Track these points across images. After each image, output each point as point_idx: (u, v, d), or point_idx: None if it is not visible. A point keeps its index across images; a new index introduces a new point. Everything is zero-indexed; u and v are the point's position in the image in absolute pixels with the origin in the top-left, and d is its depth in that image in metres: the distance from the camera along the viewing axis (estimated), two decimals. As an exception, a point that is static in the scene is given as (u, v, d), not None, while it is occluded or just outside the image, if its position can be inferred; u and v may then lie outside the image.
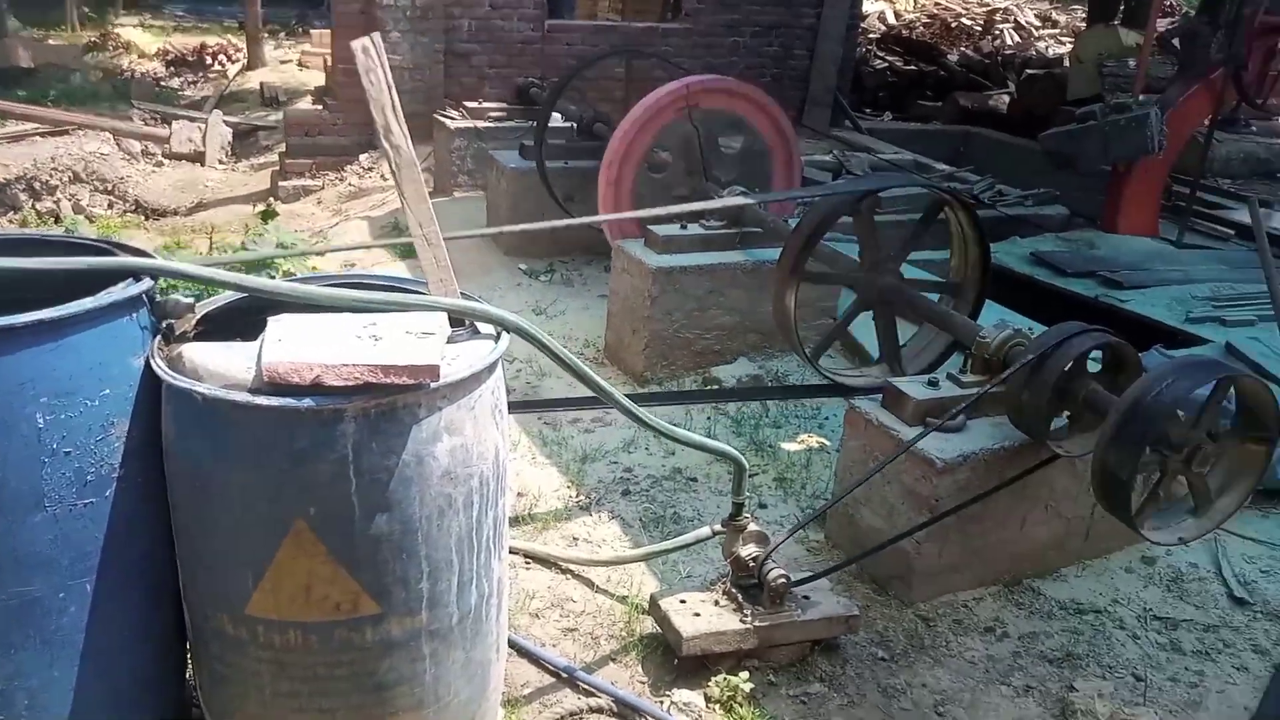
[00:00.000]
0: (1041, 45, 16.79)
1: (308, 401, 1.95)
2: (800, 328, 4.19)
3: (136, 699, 2.30)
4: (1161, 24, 11.79)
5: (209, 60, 14.34)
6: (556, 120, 6.78)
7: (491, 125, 7.75)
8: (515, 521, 3.63)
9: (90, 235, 6.30)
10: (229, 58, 14.41)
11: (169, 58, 14.52)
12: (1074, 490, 3.40)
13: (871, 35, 15.62)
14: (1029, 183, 8.13)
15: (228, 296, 2.41)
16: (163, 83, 13.57)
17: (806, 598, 3.05)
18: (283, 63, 14.29)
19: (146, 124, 10.94)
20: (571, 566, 3.38)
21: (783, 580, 2.94)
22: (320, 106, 9.32)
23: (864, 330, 4.51)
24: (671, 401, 4.48)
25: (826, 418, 4.55)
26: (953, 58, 14.67)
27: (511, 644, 2.91)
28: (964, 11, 17.94)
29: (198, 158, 10.09)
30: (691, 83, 5.48)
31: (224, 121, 10.69)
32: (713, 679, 2.84)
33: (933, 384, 3.43)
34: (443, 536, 2.16)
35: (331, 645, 2.14)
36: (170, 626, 2.32)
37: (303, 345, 2.01)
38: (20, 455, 1.94)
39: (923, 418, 3.31)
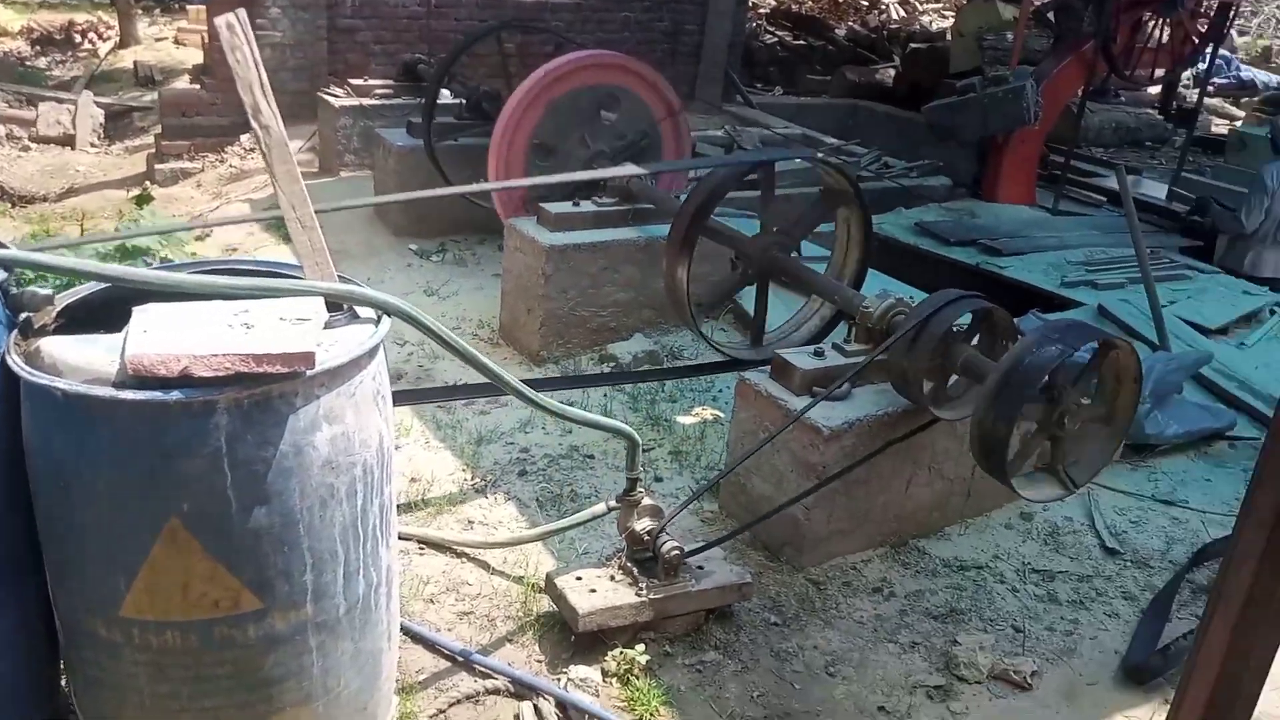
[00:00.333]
0: (925, 19, 17.17)
1: (176, 394, 1.89)
2: (697, 311, 4.23)
3: (5, 708, 2.21)
4: (1037, -2, 12.16)
5: (78, 38, 13.64)
6: (445, 97, 6.66)
7: (378, 103, 7.57)
8: (409, 507, 3.59)
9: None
10: (100, 35, 13.73)
11: (34, 35, 13.76)
12: (955, 452, 3.52)
13: (762, 10, 15.75)
14: (914, 154, 8.34)
15: (91, 287, 2.30)
16: (28, 62, 12.87)
17: (700, 568, 3.09)
18: (158, 40, 13.69)
19: (10, 106, 10.37)
20: (467, 550, 3.36)
21: (676, 552, 2.98)
22: (198, 86, 8.98)
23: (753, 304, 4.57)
24: (566, 386, 4.47)
25: (720, 390, 4.61)
26: (840, 32, 14.88)
27: (405, 631, 2.89)
28: (851, -14, 18.19)
29: (68, 141, 9.62)
30: (577, 58, 5.45)
31: (95, 102, 10.20)
32: (609, 653, 2.87)
33: (819, 354, 3.51)
34: (326, 527, 2.12)
35: (212, 644, 2.09)
36: (40, 632, 2.23)
37: (169, 336, 1.94)
38: None
39: (810, 387, 3.38)
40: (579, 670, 2.84)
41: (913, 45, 13.25)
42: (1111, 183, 8.55)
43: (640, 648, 2.88)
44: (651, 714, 2.75)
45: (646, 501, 3.06)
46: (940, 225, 6.93)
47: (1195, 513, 3.94)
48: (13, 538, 2.10)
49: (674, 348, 5.01)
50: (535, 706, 2.72)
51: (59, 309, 2.18)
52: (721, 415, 4.37)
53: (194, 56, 11.62)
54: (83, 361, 1.97)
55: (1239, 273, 6.60)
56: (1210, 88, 12.60)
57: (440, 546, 3.38)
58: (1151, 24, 8.26)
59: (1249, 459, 4.18)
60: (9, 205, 8.00)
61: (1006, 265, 6.28)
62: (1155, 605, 3.32)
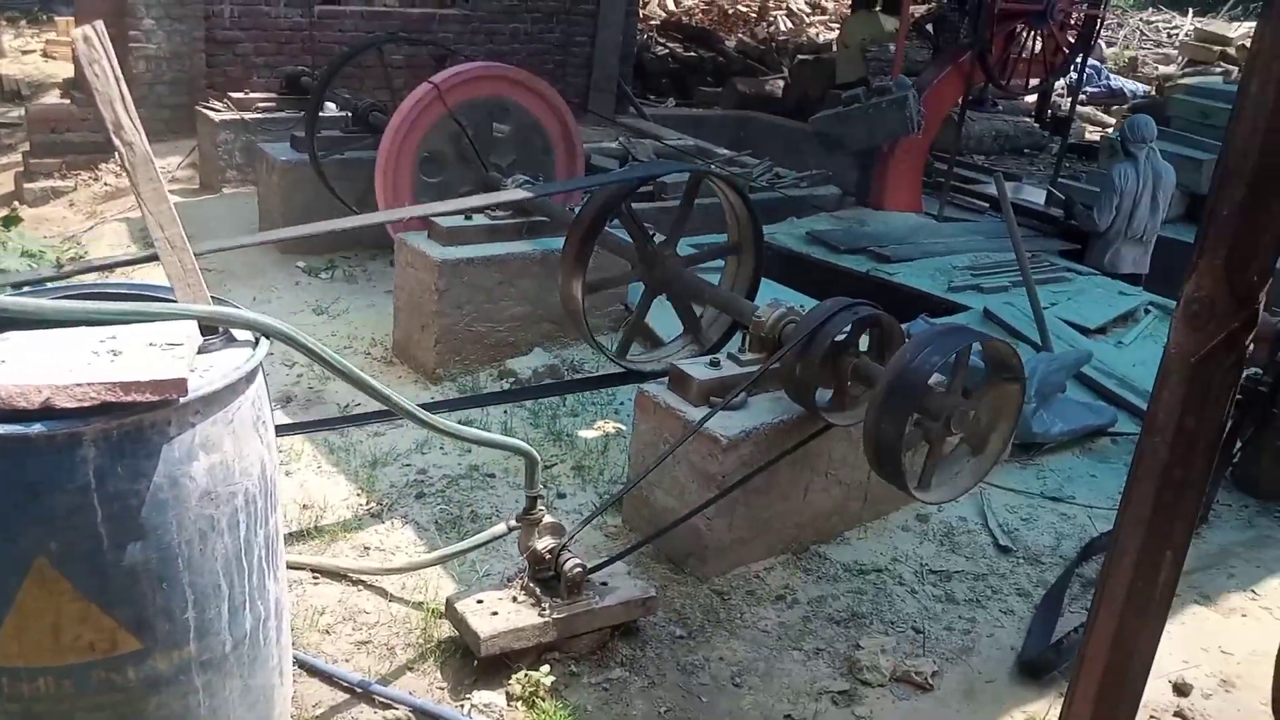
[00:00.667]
0: (813, 31, 17.53)
1: (38, 427, 1.78)
2: (590, 315, 4.20)
3: None
4: (921, 10, 12.55)
5: (-64, 51, 12.91)
6: (330, 110, 6.51)
7: (260, 117, 7.36)
8: (302, 535, 3.47)
9: None
10: (-40, 48, 13.02)
11: (-114, 48, 12.98)
12: (851, 457, 3.56)
13: (653, 22, 15.86)
14: (804, 165, 8.48)
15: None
16: (-120, 76, 12.12)
17: (605, 584, 3.06)
18: (25, 53, 13.04)
19: None
20: (364, 577, 3.26)
21: (578, 569, 2.94)
22: (68, 100, 8.59)
23: (654, 315, 4.57)
24: (464, 406, 4.39)
25: (623, 403, 4.59)
26: (731, 44, 15.09)
27: (300, 664, 2.78)
28: (739, -2, 18.48)
29: (-75, 160, 9.08)
30: (466, 70, 5.38)
31: (-44, 119, 9.67)
32: (514, 676, 2.81)
33: (714, 364, 3.51)
34: (207, 561, 2.02)
35: (89, 689, 1.97)
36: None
37: (29, 365, 1.83)
38: None
39: (707, 397, 3.38)
40: (483, 695, 2.77)
41: (800, 56, 13.52)
42: (994, 189, 8.85)
43: (545, 669, 2.83)
44: (558, 736, 2.70)
45: (547, 519, 3.02)
46: (831, 234, 7.05)
47: (1082, 508, 4.07)
48: None
49: (575, 361, 4.97)
50: (437, 735, 2.65)
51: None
52: (624, 428, 4.35)
53: (64, 70, 11.10)
54: (-67, 396, 1.84)
55: (1102, 270, 6.92)
56: (1083, 96, 13.18)
57: (336, 575, 3.27)
58: (1024, 35, 8.58)
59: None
60: None
61: (895, 271, 6.43)
62: (1047, 601, 3.41)
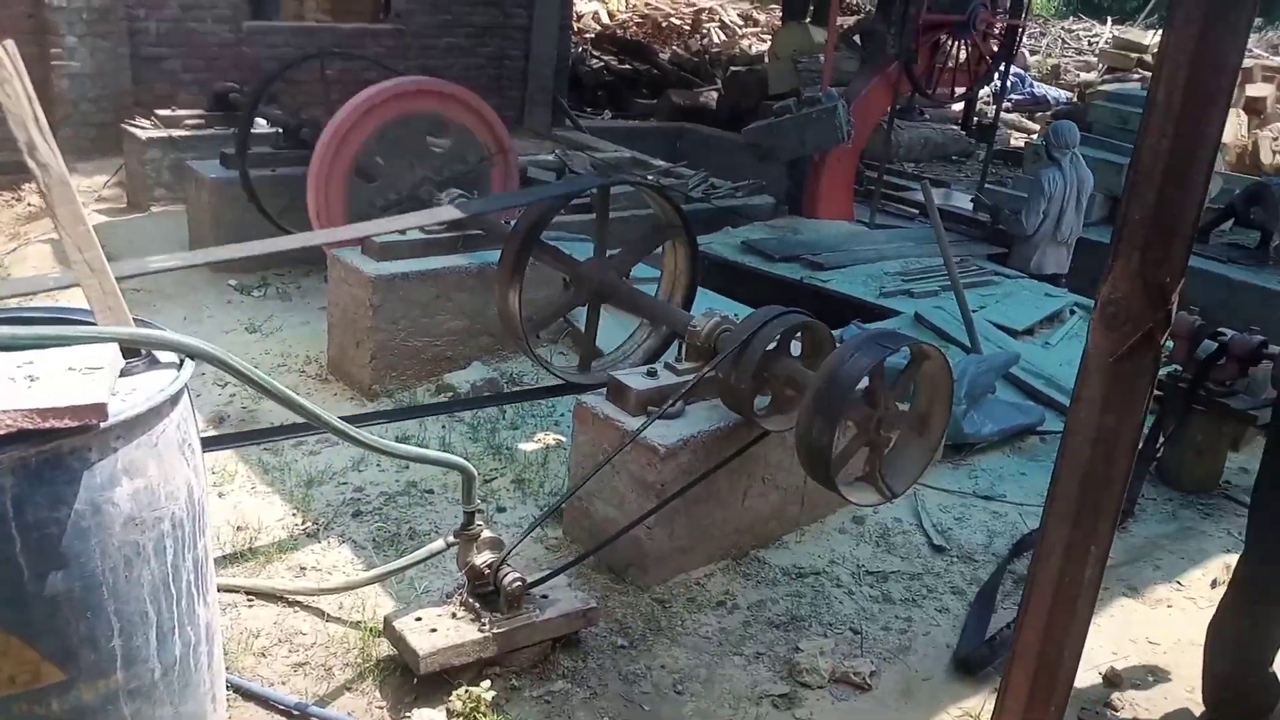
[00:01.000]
0: (745, 43, 17.74)
1: (-48, 456, 1.73)
2: (528, 328, 4.20)
3: None
4: (849, 21, 12.77)
5: None
6: (261, 126, 6.42)
7: (189, 134, 7.23)
8: (236, 557, 3.41)
9: None
10: None
11: None
12: (787, 462, 3.60)
13: (587, 35, 15.93)
14: (738, 175, 8.57)
15: None
16: None
17: (545, 597, 3.05)
18: (-61, 71, 12.67)
19: None
20: (300, 598, 3.21)
21: (518, 583, 2.93)
22: (-14, 120, 8.34)
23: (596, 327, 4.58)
24: (400, 418, 4.36)
25: (562, 414, 4.59)
26: (665, 56, 15.21)
27: (235, 688, 2.74)
28: (673, 11, 18.63)
29: None
30: (397, 85, 5.36)
31: None
32: (454, 693, 2.79)
33: (652, 374, 3.54)
34: (133, 588, 1.98)
35: (12, 723, 1.92)
36: None
37: (-58, 393, 1.78)
38: None
39: (645, 407, 3.40)
40: (423, 714, 2.75)
41: (733, 68, 13.69)
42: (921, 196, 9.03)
43: (486, 684, 2.81)
44: (500, 751, 2.69)
45: (486, 534, 3.01)
46: (765, 243, 7.14)
47: (1013, 506, 4.17)
48: None
49: (514, 374, 4.96)
50: (377, 756, 2.62)
51: None
52: (564, 440, 4.35)
53: (-18, 88, 10.79)
54: None
55: (1027, 272, 7.11)
56: (1007, 104, 13.51)
57: (271, 596, 3.22)
58: (949, 45, 8.78)
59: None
60: None
61: (829, 279, 6.53)
62: (981, 598, 3.48)
